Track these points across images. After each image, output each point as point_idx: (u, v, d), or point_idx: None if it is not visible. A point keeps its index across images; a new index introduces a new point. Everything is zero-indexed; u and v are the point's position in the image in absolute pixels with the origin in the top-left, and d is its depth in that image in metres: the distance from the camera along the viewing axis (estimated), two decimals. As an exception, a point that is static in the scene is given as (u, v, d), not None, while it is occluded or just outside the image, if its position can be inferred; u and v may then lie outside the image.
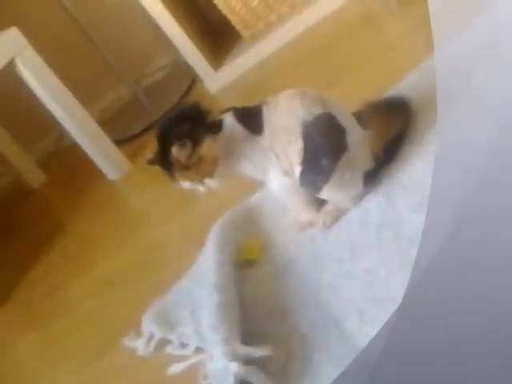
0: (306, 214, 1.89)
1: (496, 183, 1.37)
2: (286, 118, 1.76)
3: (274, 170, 1.82)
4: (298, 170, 1.77)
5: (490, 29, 1.77)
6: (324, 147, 1.75)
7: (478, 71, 1.70)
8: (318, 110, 1.75)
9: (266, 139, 1.78)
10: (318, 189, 1.79)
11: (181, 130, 1.75)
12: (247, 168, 1.84)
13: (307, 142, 1.74)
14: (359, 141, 1.80)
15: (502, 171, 1.37)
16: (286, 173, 1.81)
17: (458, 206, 1.38)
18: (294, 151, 1.76)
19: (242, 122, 1.79)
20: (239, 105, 1.86)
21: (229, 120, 1.79)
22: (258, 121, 1.78)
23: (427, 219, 1.50)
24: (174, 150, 1.74)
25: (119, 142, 3.20)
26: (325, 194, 1.80)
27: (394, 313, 1.38)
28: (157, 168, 1.81)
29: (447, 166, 1.53)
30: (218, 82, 3.21)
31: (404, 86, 2.11)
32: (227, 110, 1.82)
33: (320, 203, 1.87)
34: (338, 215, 1.84)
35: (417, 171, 1.78)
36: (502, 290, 1.22)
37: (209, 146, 1.76)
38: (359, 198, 1.81)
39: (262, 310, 1.78)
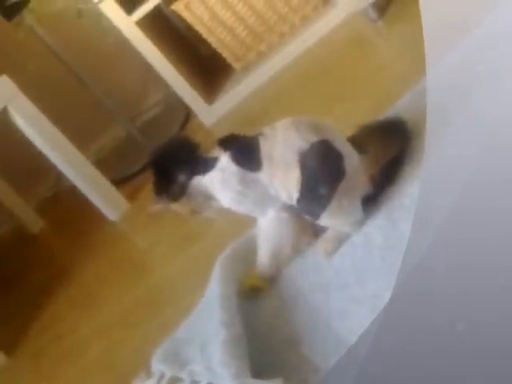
0: (303, 241, 1.89)
1: (484, 197, 1.37)
2: (284, 149, 1.75)
3: (273, 206, 1.82)
4: (295, 197, 1.76)
5: (482, 42, 1.78)
6: (321, 174, 1.75)
7: (469, 85, 1.71)
8: (314, 138, 1.75)
9: (265, 175, 1.77)
10: (317, 216, 1.78)
11: (170, 170, 1.77)
12: (245, 208, 1.84)
13: (305, 171, 1.73)
14: (356, 166, 1.79)
15: (490, 185, 1.38)
16: (284, 207, 1.81)
17: (444, 219, 1.40)
18: (292, 181, 1.75)
19: (239, 163, 1.77)
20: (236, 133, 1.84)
21: (224, 161, 1.78)
22: (255, 157, 1.77)
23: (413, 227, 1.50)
24: (152, 198, 1.77)
25: (117, 182, 3.20)
26: (324, 220, 1.79)
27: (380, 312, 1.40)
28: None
29: (435, 180, 1.53)
30: (212, 115, 3.21)
31: (399, 108, 2.10)
32: (223, 143, 1.80)
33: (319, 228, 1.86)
34: (340, 241, 1.82)
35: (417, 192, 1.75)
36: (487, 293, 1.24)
37: (182, 205, 1.80)
38: (360, 223, 1.80)
39: (273, 341, 1.77)
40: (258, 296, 1.92)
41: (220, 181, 1.78)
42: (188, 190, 1.79)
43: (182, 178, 1.78)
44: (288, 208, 1.82)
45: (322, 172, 1.75)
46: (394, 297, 1.40)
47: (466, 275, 1.28)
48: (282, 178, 1.76)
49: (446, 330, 1.24)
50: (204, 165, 1.78)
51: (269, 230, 1.88)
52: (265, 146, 1.77)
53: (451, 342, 1.22)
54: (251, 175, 1.77)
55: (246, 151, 1.79)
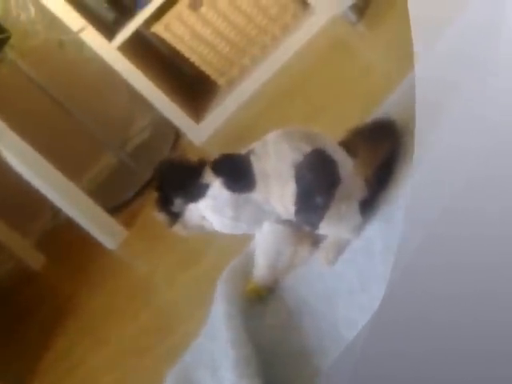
0: (302, 251, 1.88)
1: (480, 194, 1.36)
2: (277, 164, 1.74)
3: (268, 220, 1.82)
4: (293, 210, 1.74)
5: (467, 31, 1.77)
6: (318, 184, 1.73)
7: (458, 76, 1.69)
8: (306, 148, 1.73)
9: (259, 193, 1.75)
10: (316, 226, 1.76)
11: (168, 194, 1.78)
12: (239, 230, 1.83)
13: (301, 182, 1.72)
14: (350, 171, 1.77)
15: (484, 180, 1.37)
16: (279, 220, 1.80)
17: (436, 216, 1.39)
18: (288, 195, 1.73)
19: (232, 188, 1.75)
20: (227, 151, 1.83)
21: (216, 187, 1.76)
22: (249, 178, 1.75)
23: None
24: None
25: (113, 210, 3.19)
26: (323, 229, 1.78)
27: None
28: (155, 230, 1.83)
29: (426, 176, 1.52)
30: (201, 133, 3.20)
31: (386, 108, 2.09)
32: (216, 167, 1.77)
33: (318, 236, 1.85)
34: (340, 248, 1.81)
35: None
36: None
37: (180, 226, 1.81)
38: (359, 228, 1.78)
39: (283, 355, 1.75)
40: (261, 301, 1.91)
41: (212, 208, 1.78)
42: (184, 214, 1.79)
43: (178, 202, 1.78)
44: (284, 220, 1.81)
45: (318, 182, 1.73)
46: (387, 296, 1.40)
47: (461, 274, 1.28)
48: (278, 192, 1.74)
49: (442, 329, 1.24)
50: (197, 192, 1.77)
51: (264, 242, 1.87)
52: (257, 165, 1.75)
53: (449, 341, 1.23)
54: (245, 196, 1.76)
55: (238, 174, 1.77)
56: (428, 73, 1.78)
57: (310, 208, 1.74)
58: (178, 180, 1.77)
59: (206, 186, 1.76)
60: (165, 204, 1.79)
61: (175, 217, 1.80)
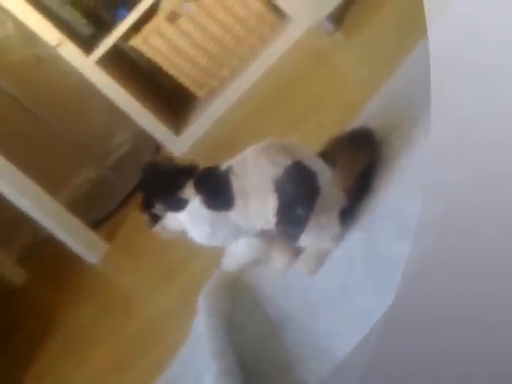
0: (281, 263, 1.87)
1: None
2: (257, 180, 1.73)
3: (246, 235, 1.83)
4: (273, 223, 1.74)
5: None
6: (298, 196, 1.72)
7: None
8: (286, 162, 1.72)
9: (238, 210, 1.75)
10: (297, 238, 1.76)
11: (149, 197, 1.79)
12: (216, 243, 1.84)
13: (281, 196, 1.71)
14: (329, 181, 1.77)
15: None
16: (258, 233, 1.80)
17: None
18: (268, 209, 1.73)
19: (211, 206, 1.76)
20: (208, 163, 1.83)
21: (195, 203, 1.76)
22: (227, 196, 1.75)
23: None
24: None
25: (95, 224, 3.18)
26: (303, 241, 1.77)
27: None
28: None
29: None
30: (181, 145, 3.20)
31: (365, 117, 2.09)
32: (197, 183, 1.77)
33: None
34: (321, 258, 1.80)
35: (393, 200, 1.75)
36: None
37: (159, 228, 1.81)
38: (339, 238, 1.78)
39: (264, 367, 1.75)
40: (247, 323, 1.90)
41: (190, 222, 1.79)
42: (163, 219, 1.80)
43: (158, 206, 1.78)
44: (262, 233, 1.81)
45: (299, 194, 1.72)
46: (396, 299, 1.39)
47: (468, 275, 1.27)
48: (258, 207, 1.74)
49: (448, 331, 1.24)
50: (177, 205, 1.77)
51: (239, 254, 1.89)
52: (237, 182, 1.74)
53: (454, 343, 1.22)
54: (223, 214, 1.76)
55: (217, 193, 1.77)
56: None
57: (291, 220, 1.74)
58: (159, 187, 1.78)
59: (186, 202, 1.76)
60: (147, 205, 1.80)
61: (156, 218, 1.80)
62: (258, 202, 1.74)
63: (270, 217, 1.73)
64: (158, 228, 1.82)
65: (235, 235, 1.83)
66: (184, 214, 1.78)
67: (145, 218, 1.81)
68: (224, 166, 1.78)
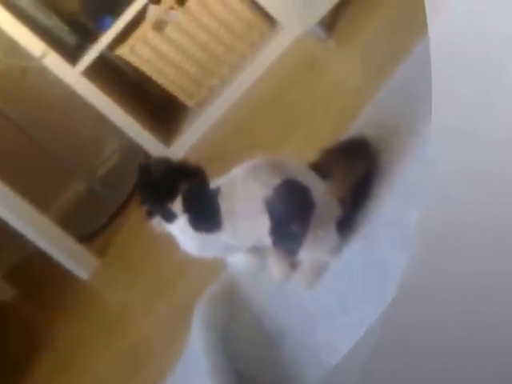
0: (279, 273, 1.84)
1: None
2: (247, 201, 1.71)
3: (237, 252, 1.83)
4: (269, 240, 1.72)
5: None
6: (292, 213, 1.70)
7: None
8: (275, 181, 1.69)
9: (226, 233, 1.74)
10: (296, 253, 1.74)
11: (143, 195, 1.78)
12: (208, 255, 1.84)
13: (273, 215, 1.69)
14: (323, 193, 1.74)
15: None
16: (250, 250, 1.81)
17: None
18: (261, 228, 1.71)
19: (197, 229, 1.74)
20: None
21: (183, 221, 1.74)
22: (215, 219, 1.73)
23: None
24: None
25: (84, 238, 3.14)
26: (302, 255, 1.75)
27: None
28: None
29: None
30: (172, 156, 3.14)
31: (360, 125, 2.06)
32: (186, 200, 1.74)
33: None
34: (319, 271, 1.78)
35: (390, 209, 1.72)
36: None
37: (154, 225, 1.79)
38: (337, 249, 1.75)
39: (263, 380, 1.73)
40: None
41: (179, 236, 1.78)
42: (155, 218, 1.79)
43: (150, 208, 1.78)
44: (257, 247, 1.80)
45: (292, 211, 1.70)
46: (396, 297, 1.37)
47: (467, 284, 1.26)
48: (249, 228, 1.73)
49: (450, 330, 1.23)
50: (167, 215, 1.75)
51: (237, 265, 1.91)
52: (225, 206, 1.72)
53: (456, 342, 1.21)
54: (210, 236, 1.75)
55: (204, 216, 1.76)
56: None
57: (287, 238, 1.72)
58: (150, 195, 1.76)
59: (175, 215, 1.74)
60: (143, 201, 1.78)
61: (152, 214, 1.78)
62: (248, 223, 1.72)
63: (264, 236, 1.71)
64: (154, 222, 1.79)
65: (226, 250, 1.83)
66: (173, 227, 1.76)
67: (143, 209, 1.80)
68: (213, 186, 1.76)
